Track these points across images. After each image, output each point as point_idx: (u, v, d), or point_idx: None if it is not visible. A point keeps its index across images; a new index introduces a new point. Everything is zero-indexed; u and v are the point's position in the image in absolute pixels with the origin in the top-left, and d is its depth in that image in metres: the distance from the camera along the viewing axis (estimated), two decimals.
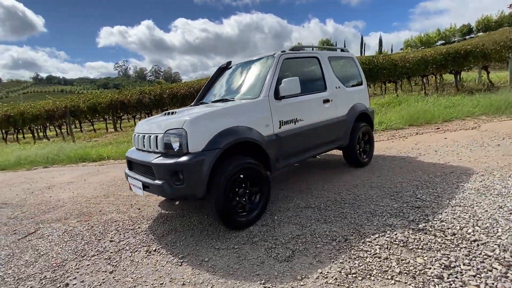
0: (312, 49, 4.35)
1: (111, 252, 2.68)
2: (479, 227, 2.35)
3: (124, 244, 2.81)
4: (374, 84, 15.44)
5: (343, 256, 2.21)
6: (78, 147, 9.31)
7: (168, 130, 2.66)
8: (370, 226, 2.60)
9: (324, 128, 3.78)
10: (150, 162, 2.68)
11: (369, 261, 2.11)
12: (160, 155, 2.72)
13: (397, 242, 2.29)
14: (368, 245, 2.31)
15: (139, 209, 3.71)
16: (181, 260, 2.41)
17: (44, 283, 2.33)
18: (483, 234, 2.25)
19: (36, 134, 15.15)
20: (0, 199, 4.94)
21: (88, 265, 2.51)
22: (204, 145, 2.56)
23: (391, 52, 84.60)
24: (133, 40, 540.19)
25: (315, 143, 3.75)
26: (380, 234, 2.44)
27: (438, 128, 6.59)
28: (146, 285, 2.14)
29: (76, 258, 2.66)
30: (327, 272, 2.05)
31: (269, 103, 3.14)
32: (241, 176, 2.76)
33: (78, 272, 2.42)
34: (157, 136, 2.78)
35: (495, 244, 2.10)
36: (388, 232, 2.46)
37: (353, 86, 4.56)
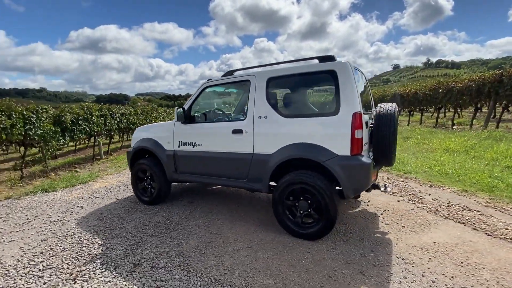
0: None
1: None
2: None
3: None
4: None
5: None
6: None
7: None
8: None
9: (226, 161, 3.49)
10: None
11: None
12: None
13: None
14: None
15: None
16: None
17: None
18: None
19: None
20: None
21: None
22: (133, 144, 4.44)
23: None
24: None
25: (215, 173, 3.63)
26: None
27: None
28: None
29: None
30: None
31: (174, 125, 3.95)
32: (142, 171, 4.25)
33: None
34: None
35: None
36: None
37: (310, 115, 3.02)
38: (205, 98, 4.01)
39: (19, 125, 6.46)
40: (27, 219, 3.85)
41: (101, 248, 2.96)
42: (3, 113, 6.09)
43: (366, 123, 2.98)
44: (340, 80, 2.82)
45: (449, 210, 3.68)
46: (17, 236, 3.33)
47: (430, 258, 2.57)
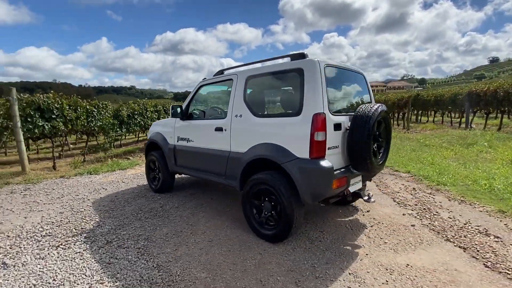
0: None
1: None
2: None
3: None
4: None
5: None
6: None
7: None
8: None
9: (210, 157, 3.64)
10: None
11: None
12: None
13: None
14: None
15: None
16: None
17: None
18: None
19: None
20: None
21: None
22: (148, 137, 4.93)
23: None
24: None
25: (203, 168, 3.80)
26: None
27: None
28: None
29: None
30: None
31: (174, 121, 4.27)
32: (153, 161, 4.70)
33: None
34: None
35: None
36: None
37: (277, 115, 2.94)
38: (203, 96, 4.24)
39: (82, 118, 7.77)
40: (62, 195, 4.69)
41: (94, 224, 3.45)
42: (70, 107, 7.39)
43: (338, 125, 2.75)
44: (305, 79, 2.67)
45: (458, 232, 3.11)
46: (47, 207, 4.10)
47: (387, 281, 2.26)
